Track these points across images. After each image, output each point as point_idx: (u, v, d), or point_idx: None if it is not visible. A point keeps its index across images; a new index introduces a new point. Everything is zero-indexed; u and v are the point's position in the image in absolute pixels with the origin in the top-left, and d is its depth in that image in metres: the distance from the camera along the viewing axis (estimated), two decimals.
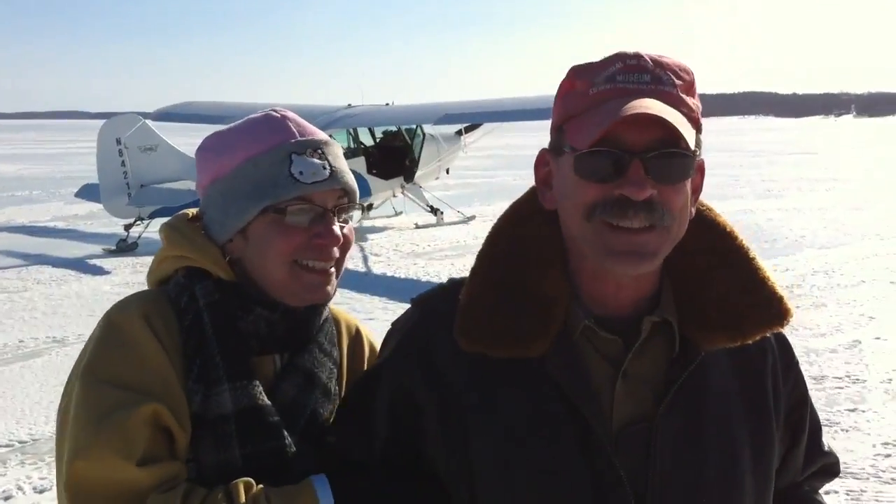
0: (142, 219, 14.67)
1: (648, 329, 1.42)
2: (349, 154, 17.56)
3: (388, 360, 1.58)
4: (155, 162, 15.32)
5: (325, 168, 1.62)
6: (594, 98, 1.36)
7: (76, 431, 1.50)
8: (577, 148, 1.35)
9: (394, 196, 18.29)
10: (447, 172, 19.97)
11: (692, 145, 1.34)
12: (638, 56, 1.38)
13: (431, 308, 1.55)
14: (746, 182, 27.93)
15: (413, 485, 1.53)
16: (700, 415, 1.44)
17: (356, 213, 1.77)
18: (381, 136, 18.92)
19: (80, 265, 13.40)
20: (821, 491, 1.74)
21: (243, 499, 1.47)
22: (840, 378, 7.48)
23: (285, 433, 1.59)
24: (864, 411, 6.64)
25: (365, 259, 13.77)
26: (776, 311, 1.47)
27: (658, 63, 1.38)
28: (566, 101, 1.41)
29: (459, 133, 19.51)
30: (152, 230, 15.01)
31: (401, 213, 18.42)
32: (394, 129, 18.69)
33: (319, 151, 1.64)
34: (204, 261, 1.65)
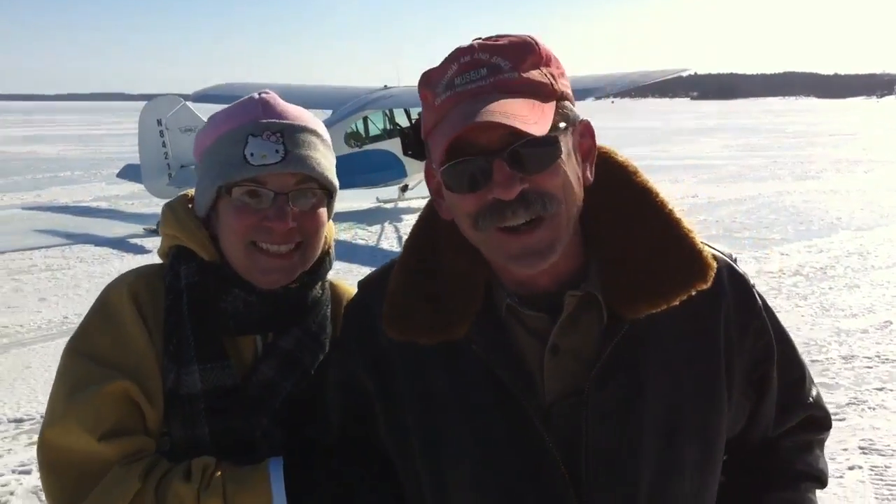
0: None
1: (572, 304, 1.40)
2: (385, 135, 17.67)
3: (335, 347, 1.64)
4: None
5: (277, 151, 1.61)
6: (440, 109, 1.33)
7: (52, 401, 1.59)
8: (437, 164, 1.33)
9: None
10: None
11: (546, 127, 1.28)
12: (471, 49, 1.33)
13: (370, 294, 1.54)
14: (784, 163, 27.62)
15: (367, 472, 1.55)
16: (636, 385, 1.40)
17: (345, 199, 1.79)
18: (416, 117, 19.01)
19: (122, 244, 13.68)
20: (817, 447, 1.66)
21: (199, 477, 1.52)
22: (870, 358, 7.50)
23: (253, 413, 1.63)
24: (891, 390, 6.67)
25: (400, 240, 13.92)
26: (698, 268, 1.41)
27: (493, 49, 1.32)
28: (424, 113, 1.40)
29: None
30: None
31: None
32: None
33: (278, 134, 1.63)
34: (190, 241, 1.69)
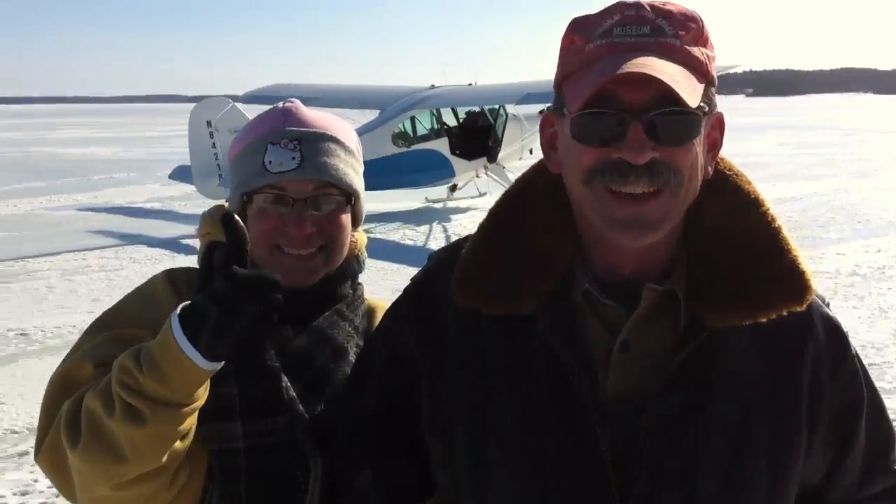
0: None
1: (650, 298, 1.31)
2: (432, 135, 17.67)
3: (390, 311, 1.57)
4: None
5: (294, 158, 1.66)
6: (590, 55, 1.27)
7: (72, 348, 1.66)
8: (572, 110, 1.27)
9: (477, 177, 18.35)
10: (530, 153, 19.96)
11: (697, 101, 1.23)
12: (638, 5, 1.27)
13: (441, 261, 1.49)
14: (841, 161, 27.08)
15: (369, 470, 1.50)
16: (704, 398, 1.31)
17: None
18: (464, 116, 18.99)
19: (174, 245, 13.87)
20: None
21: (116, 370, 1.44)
22: None
23: (284, 378, 1.64)
24: None
25: (448, 240, 13.91)
26: (796, 287, 1.32)
27: (660, 12, 1.27)
28: (565, 58, 1.33)
29: (542, 113, 19.42)
30: None
31: (485, 193, 18.51)
32: (477, 109, 18.73)
33: (295, 142, 1.68)
34: (221, 234, 1.66)
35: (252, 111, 18.30)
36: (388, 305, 1.83)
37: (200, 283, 1.68)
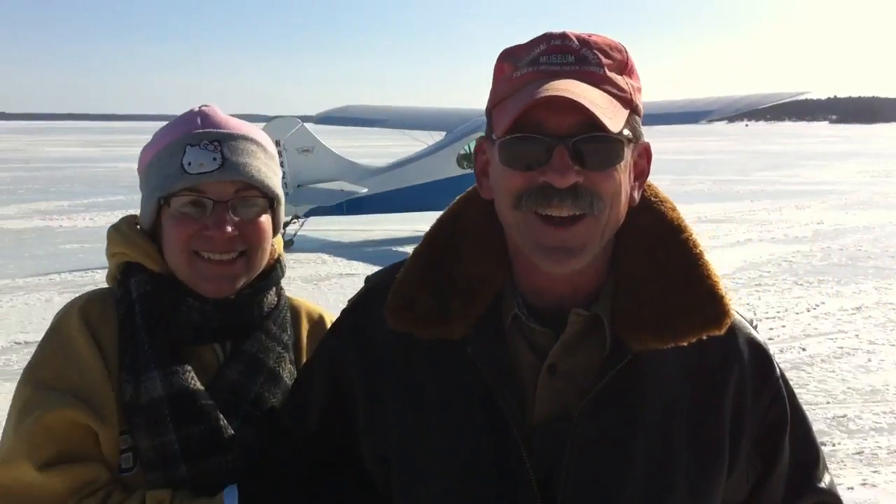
0: (298, 217, 15.30)
1: (576, 323, 1.34)
2: None
3: (327, 336, 1.60)
4: (311, 163, 15.96)
5: (215, 159, 1.60)
6: (517, 82, 1.30)
7: (4, 436, 1.59)
8: (499, 135, 1.30)
9: None
10: None
11: (620, 127, 1.26)
12: (563, 36, 1.31)
13: (376, 285, 1.51)
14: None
15: (333, 493, 1.51)
16: (628, 421, 1.34)
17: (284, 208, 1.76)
18: None
19: None
20: None
21: None
22: None
23: (220, 416, 1.60)
24: None
25: None
26: (713, 312, 1.35)
27: (585, 42, 1.30)
28: (495, 85, 1.36)
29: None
30: (307, 229, 15.71)
31: None
32: None
33: (216, 143, 1.63)
34: (136, 254, 1.68)
35: (326, 132, 18.64)
36: (309, 304, 1.89)
37: (124, 314, 1.63)
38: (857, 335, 9.18)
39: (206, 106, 1.72)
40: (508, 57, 1.34)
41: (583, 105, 1.22)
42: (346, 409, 1.48)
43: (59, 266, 13.06)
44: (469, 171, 17.27)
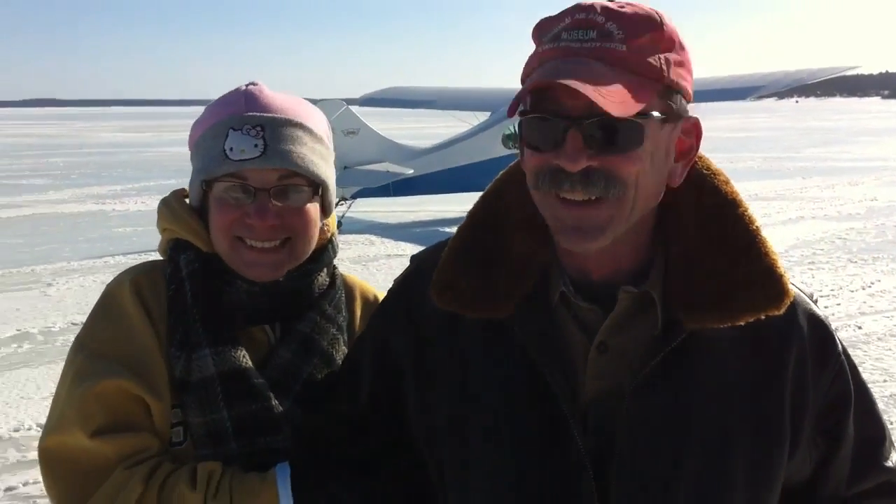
0: (345, 199, 15.28)
1: (625, 300, 1.31)
2: None
3: (375, 315, 1.59)
4: (356, 145, 15.96)
5: (256, 146, 1.57)
6: (539, 58, 1.27)
7: (54, 403, 1.59)
8: (521, 113, 1.27)
9: None
10: None
11: (632, 111, 1.19)
12: (589, 8, 1.25)
13: (422, 264, 1.49)
14: None
15: (377, 483, 1.51)
16: (683, 399, 1.31)
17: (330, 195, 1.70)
18: None
19: None
20: None
21: (204, 484, 1.49)
22: None
23: (271, 395, 1.60)
24: None
25: None
26: (774, 290, 1.30)
27: (612, 14, 1.24)
28: (528, 59, 1.32)
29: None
30: (355, 210, 15.80)
31: None
32: None
33: (258, 128, 1.59)
34: (185, 232, 1.67)
35: (370, 114, 18.64)
36: (364, 284, 1.87)
37: (174, 291, 1.63)
38: None
39: (253, 84, 1.68)
40: (538, 29, 1.30)
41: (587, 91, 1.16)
42: (395, 388, 1.48)
43: (112, 249, 13.30)
44: (514, 150, 17.25)
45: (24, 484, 5.26)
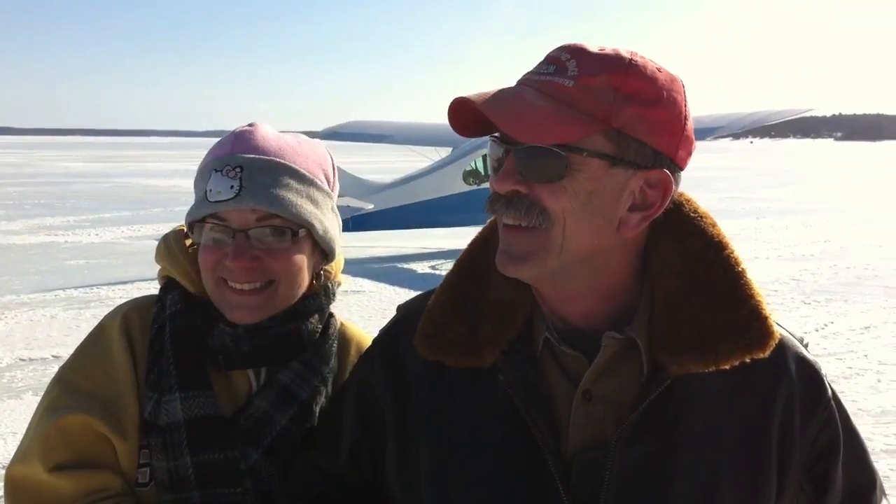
0: None
1: (611, 346, 1.29)
2: None
3: (358, 364, 1.57)
4: None
5: (232, 187, 1.56)
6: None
7: (27, 430, 1.59)
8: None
9: None
10: None
11: (557, 140, 1.19)
12: (567, 48, 1.26)
13: (407, 312, 1.48)
14: None
15: None
16: (669, 447, 1.28)
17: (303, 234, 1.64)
18: None
19: None
20: None
21: None
22: None
23: (239, 446, 1.58)
24: None
25: None
26: (757, 333, 1.28)
27: (580, 54, 1.24)
28: None
29: None
30: None
31: None
32: None
33: (238, 169, 1.58)
34: (174, 271, 1.68)
35: (332, 147, 18.59)
36: (362, 335, 1.81)
37: (156, 331, 1.63)
38: (865, 355, 9.10)
39: (250, 126, 1.68)
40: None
41: (509, 113, 1.21)
42: (376, 440, 1.45)
43: (63, 282, 13.00)
44: (475, 187, 17.33)
45: None
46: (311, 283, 1.70)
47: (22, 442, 1.58)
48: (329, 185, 1.71)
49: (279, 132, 1.69)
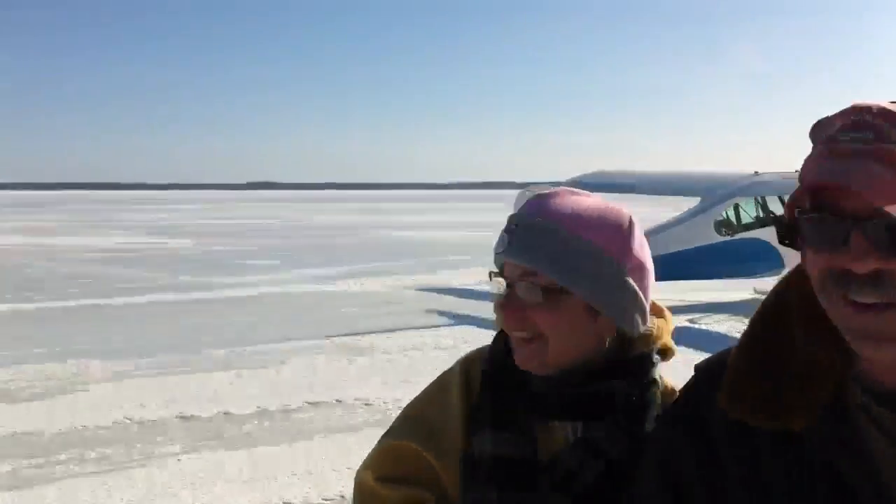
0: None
1: None
2: (758, 224, 17.13)
3: (658, 428, 1.55)
4: None
5: (505, 241, 1.67)
6: (816, 159, 1.25)
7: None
8: (800, 209, 1.24)
9: None
10: None
11: None
12: (865, 109, 1.21)
13: (706, 372, 1.44)
14: None
15: None
16: None
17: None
18: None
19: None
20: None
21: None
22: None
23: (548, 490, 1.61)
24: None
25: None
26: None
27: (891, 116, 1.20)
28: (804, 159, 1.29)
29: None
30: None
31: None
32: None
33: (514, 226, 1.68)
34: None
35: None
36: None
37: (483, 381, 1.73)
38: None
39: (547, 191, 1.74)
40: (815, 129, 1.29)
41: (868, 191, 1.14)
42: (680, 498, 1.42)
43: (338, 329, 13.92)
44: (727, 237, 16.86)
45: None
46: (614, 344, 1.69)
47: (368, 454, 1.85)
48: (603, 245, 1.67)
49: (577, 197, 1.72)
